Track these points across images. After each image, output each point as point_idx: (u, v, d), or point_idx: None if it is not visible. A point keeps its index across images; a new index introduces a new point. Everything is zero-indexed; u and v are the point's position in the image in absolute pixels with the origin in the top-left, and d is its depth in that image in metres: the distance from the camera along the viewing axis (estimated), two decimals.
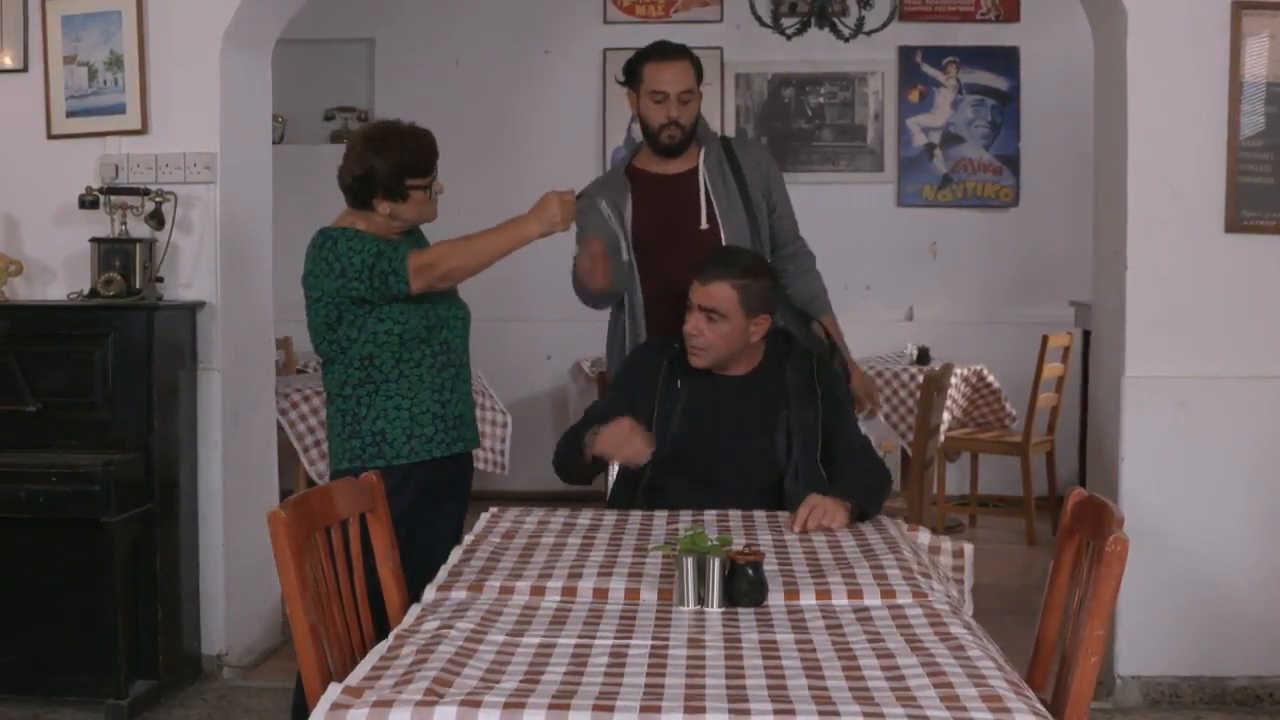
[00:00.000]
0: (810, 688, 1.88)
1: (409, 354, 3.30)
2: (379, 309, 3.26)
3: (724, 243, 3.71)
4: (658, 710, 1.78)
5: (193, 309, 4.31)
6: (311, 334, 3.36)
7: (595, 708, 1.79)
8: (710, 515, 3.05)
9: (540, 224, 3.23)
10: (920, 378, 5.73)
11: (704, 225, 3.74)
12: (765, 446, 3.27)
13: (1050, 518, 6.29)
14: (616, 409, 3.26)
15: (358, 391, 3.31)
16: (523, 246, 3.28)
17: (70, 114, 4.35)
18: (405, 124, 3.34)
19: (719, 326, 3.22)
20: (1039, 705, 1.83)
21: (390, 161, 3.24)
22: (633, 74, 3.76)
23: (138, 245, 4.21)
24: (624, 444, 3.12)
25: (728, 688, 1.88)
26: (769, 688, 1.88)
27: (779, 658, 2.03)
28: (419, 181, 3.29)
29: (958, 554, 2.91)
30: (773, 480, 3.26)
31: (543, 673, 1.95)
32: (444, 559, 2.70)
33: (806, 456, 3.25)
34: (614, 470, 3.52)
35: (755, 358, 3.35)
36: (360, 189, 3.28)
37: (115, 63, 4.31)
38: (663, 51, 3.73)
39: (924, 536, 2.95)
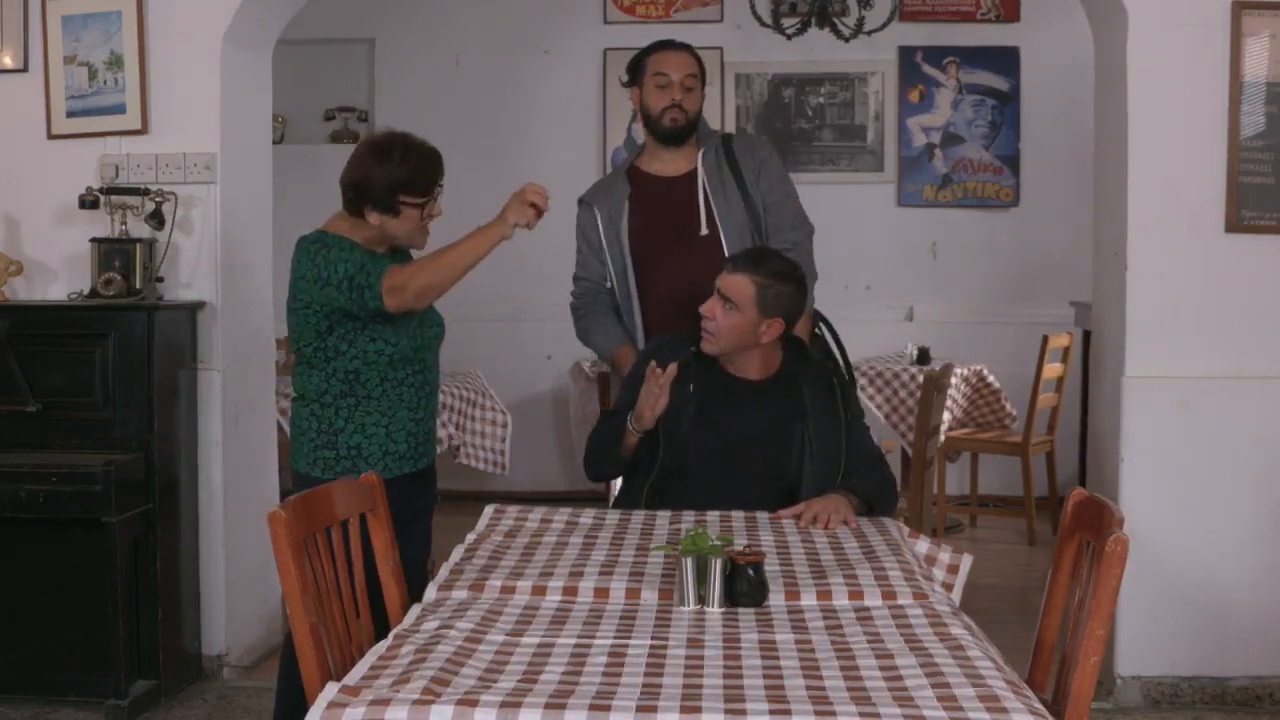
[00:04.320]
0: (808, 688, 1.88)
1: (394, 373, 3.27)
2: (371, 327, 3.21)
3: (725, 248, 3.69)
4: (654, 710, 1.78)
5: (193, 309, 4.31)
6: (293, 334, 3.31)
7: (592, 707, 1.79)
8: (713, 515, 3.05)
9: (503, 224, 3.15)
10: (920, 378, 5.73)
11: (704, 231, 3.73)
12: (777, 455, 3.25)
13: (1050, 518, 6.29)
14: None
15: (337, 402, 3.27)
16: (492, 250, 3.19)
17: (70, 114, 4.35)
18: (417, 140, 3.25)
19: (731, 316, 3.23)
20: (1038, 705, 1.84)
21: (388, 173, 3.17)
22: (636, 68, 3.80)
23: (138, 245, 4.21)
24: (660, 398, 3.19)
25: (725, 688, 1.88)
26: (766, 688, 1.88)
27: (778, 658, 2.03)
28: (413, 199, 3.20)
29: (951, 569, 2.89)
30: (782, 489, 3.22)
31: (541, 672, 1.95)
32: (415, 568, 2.66)
33: (827, 471, 3.23)
34: (617, 482, 3.52)
35: (771, 364, 3.33)
36: (354, 195, 3.22)
37: (115, 63, 4.31)
38: (666, 43, 3.83)
39: (922, 545, 2.94)
